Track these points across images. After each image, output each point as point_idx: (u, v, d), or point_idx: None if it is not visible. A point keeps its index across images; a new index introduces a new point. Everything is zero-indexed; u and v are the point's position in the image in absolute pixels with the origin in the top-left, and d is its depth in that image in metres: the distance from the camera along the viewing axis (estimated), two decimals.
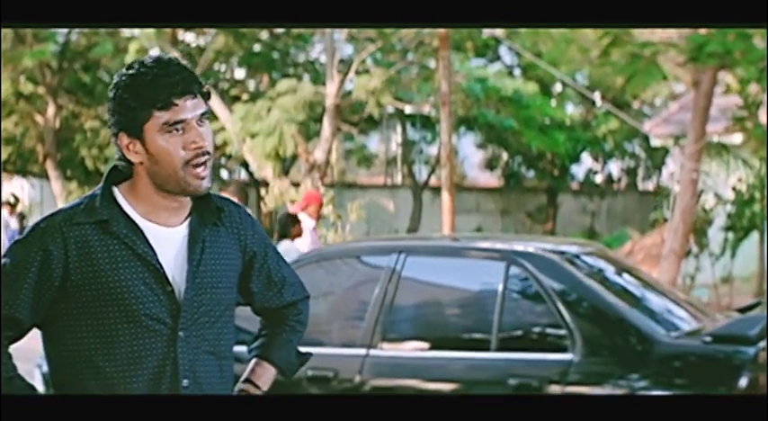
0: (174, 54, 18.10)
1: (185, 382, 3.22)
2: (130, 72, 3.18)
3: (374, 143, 38.25)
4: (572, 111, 36.68)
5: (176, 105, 3.13)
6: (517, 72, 33.26)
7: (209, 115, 3.29)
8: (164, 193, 3.22)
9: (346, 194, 29.70)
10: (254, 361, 3.60)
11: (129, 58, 23.24)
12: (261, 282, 3.53)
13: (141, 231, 3.20)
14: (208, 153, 3.18)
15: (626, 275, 7.25)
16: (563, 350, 6.24)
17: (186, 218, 3.30)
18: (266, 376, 3.57)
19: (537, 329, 6.56)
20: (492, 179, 39.72)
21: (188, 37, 26.88)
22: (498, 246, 7.09)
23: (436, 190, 28.79)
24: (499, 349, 6.41)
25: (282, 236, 11.08)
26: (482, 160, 39.82)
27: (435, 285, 7.13)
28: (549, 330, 6.44)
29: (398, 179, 37.52)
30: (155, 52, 24.77)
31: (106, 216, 3.19)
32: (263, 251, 3.51)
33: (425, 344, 6.84)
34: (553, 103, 34.07)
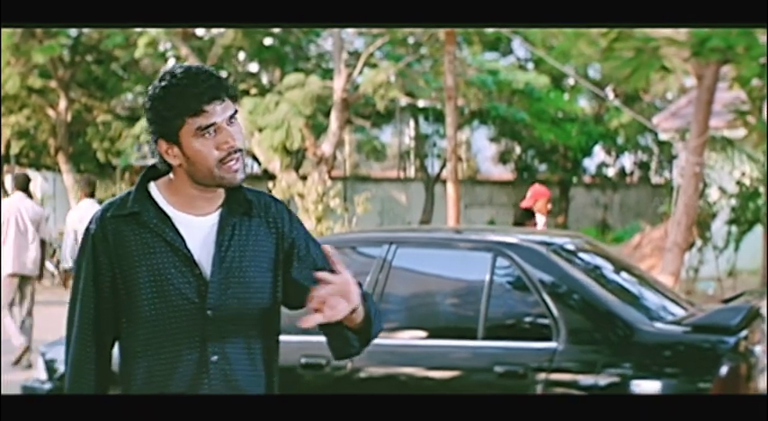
0: (184, 49, 18.15)
1: (215, 358, 3.48)
2: (162, 84, 3.45)
3: (387, 137, 38.36)
4: (584, 104, 36.71)
5: (206, 111, 3.40)
6: (530, 66, 33.30)
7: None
8: (200, 187, 3.50)
9: (359, 187, 29.87)
10: None
11: (138, 52, 23.40)
12: (306, 268, 3.63)
13: (170, 220, 3.49)
14: (239, 150, 3.47)
15: (611, 266, 7.38)
16: (547, 338, 6.37)
17: (217, 209, 3.57)
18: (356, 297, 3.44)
19: (522, 318, 6.70)
20: (505, 172, 39.77)
21: (199, 31, 27.03)
22: (485, 237, 7.25)
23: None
24: (486, 337, 6.55)
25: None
26: (495, 154, 39.90)
27: (425, 275, 7.28)
28: (534, 319, 6.57)
29: (411, 172, 37.62)
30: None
31: (137, 208, 3.49)
32: (304, 241, 3.70)
33: (414, 333, 6.97)
34: (566, 96, 34.12)
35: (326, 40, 29.29)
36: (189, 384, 3.48)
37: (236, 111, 3.51)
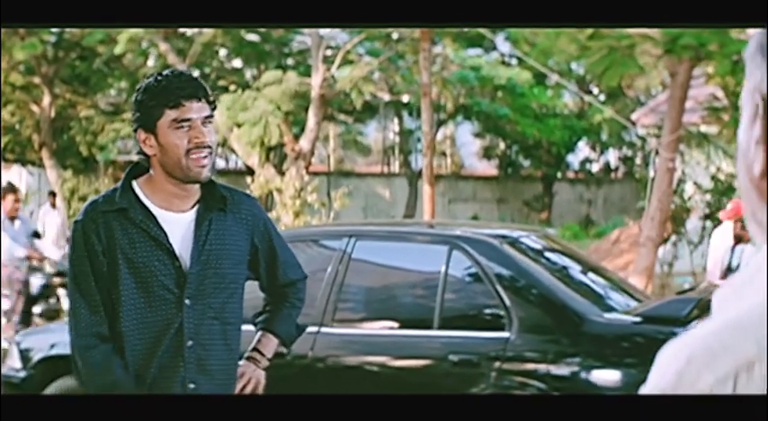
0: (163, 46, 18.22)
1: (190, 343, 3.83)
2: (150, 80, 3.84)
3: (371, 132, 38.49)
4: (568, 99, 36.84)
5: (184, 106, 3.75)
6: (515, 61, 33.40)
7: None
8: (174, 181, 3.82)
9: (343, 182, 30.00)
10: (260, 333, 4.28)
11: (118, 49, 23.51)
12: (267, 262, 4.16)
13: (154, 217, 3.82)
14: (208, 147, 3.79)
15: (566, 258, 7.56)
16: (501, 328, 6.54)
17: (194, 205, 3.91)
18: (270, 346, 4.25)
19: (476, 309, 6.89)
20: (489, 168, 39.90)
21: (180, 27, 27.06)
22: (441, 231, 7.47)
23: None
24: (441, 327, 6.74)
25: (738, 240, 11.25)
26: (479, 149, 40.04)
27: (383, 267, 7.49)
28: (487, 310, 6.75)
29: (396, 167, 37.76)
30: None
31: (125, 204, 3.81)
32: (268, 236, 4.15)
33: (373, 323, 7.19)
34: (550, 92, 34.24)
35: (309, 36, 29.35)
36: (166, 367, 3.81)
37: (211, 114, 3.84)
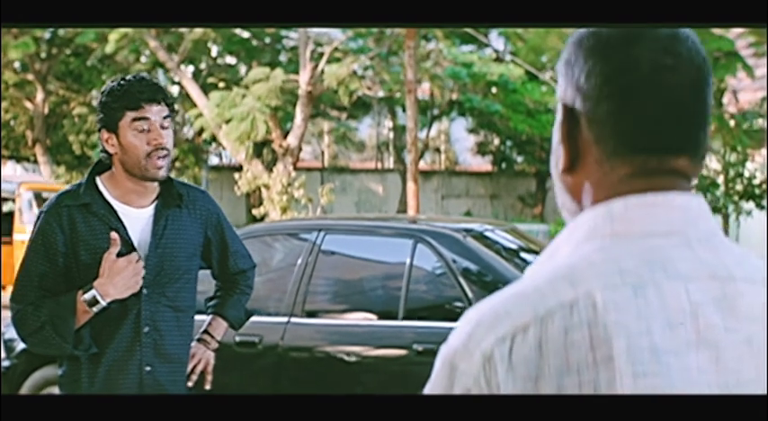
0: (153, 43, 18.45)
1: (146, 329, 4.11)
2: (114, 84, 4.12)
3: (365, 128, 38.55)
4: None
5: (143, 108, 4.03)
6: (508, 57, 33.41)
7: (175, 115, 4.22)
8: (133, 179, 4.10)
9: (336, 178, 30.14)
10: (210, 317, 4.61)
11: (109, 47, 23.66)
12: (219, 253, 4.47)
13: (116, 211, 4.10)
14: (166, 149, 4.08)
15: (531, 251, 7.78)
16: None
17: (153, 201, 4.19)
18: (220, 329, 4.59)
19: (440, 300, 7.12)
20: (484, 164, 39.93)
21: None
22: (406, 225, 7.71)
23: (426, 174, 29.19)
24: (406, 318, 7.00)
25: None
26: (473, 145, 40.04)
27: (351, 259, 7.75)
28: (451, 301, 6.98)
29: (390, 163, 37.78)
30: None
31: (88, 200, 4.09)
32: (221, 229, 4.46)
33: (340, 313, 7.42)
34: (543, 89, 34.26)
35: (297, 32, 29.36)
36: (124, 351, 4.09)
37: (170, 116, 4.12)
